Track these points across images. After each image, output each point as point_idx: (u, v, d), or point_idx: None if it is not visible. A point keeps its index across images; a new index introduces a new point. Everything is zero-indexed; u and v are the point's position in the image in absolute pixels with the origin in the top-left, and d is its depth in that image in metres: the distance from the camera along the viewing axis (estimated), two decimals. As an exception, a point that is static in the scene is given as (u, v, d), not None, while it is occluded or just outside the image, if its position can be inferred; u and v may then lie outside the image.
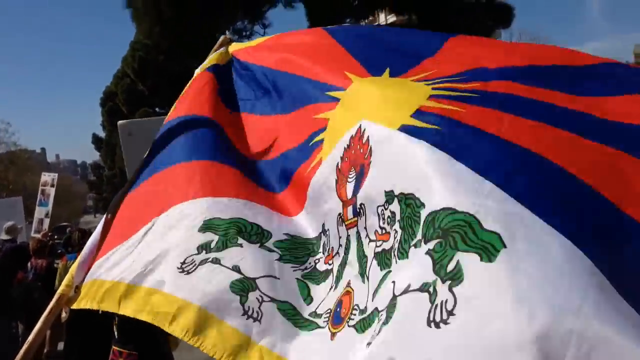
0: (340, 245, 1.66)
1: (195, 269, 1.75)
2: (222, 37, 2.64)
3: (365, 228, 1.49)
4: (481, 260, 1.03)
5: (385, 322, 1.16)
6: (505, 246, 1.04)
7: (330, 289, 1.62)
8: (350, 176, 1.63)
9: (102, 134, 62.07)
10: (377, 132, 1.55)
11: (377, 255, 1.39)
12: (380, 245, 1.39)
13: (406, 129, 1.46)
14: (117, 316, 4.31)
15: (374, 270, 1.37)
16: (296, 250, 1.80)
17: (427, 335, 1.00)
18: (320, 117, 1.93)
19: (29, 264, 7.26)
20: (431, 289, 1.05)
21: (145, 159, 2.38)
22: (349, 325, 1.39)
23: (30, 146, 68.75)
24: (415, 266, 1.16)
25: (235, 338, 1.58)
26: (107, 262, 2.03)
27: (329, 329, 1.48)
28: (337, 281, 1.61)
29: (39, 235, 9.35)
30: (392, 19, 35.79)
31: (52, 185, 12.37)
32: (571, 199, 1.18)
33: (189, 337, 1.64)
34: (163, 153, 2.28)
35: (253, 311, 1.60)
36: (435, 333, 0.99)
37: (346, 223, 1.62)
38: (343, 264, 1.61)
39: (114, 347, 4.51)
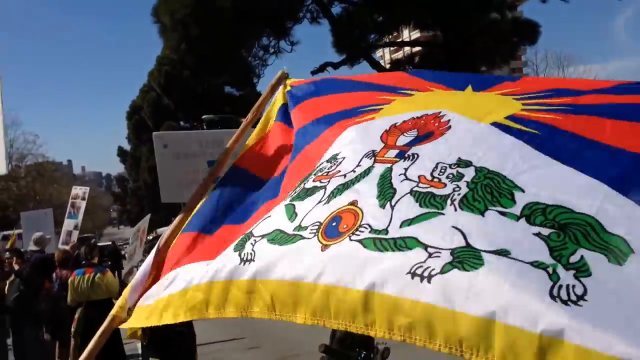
0: (352, 171, 1.70)
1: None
2: (280, 72, 2.59)
3: (406, 170, 1.57)
4: (609, 261, 1.11)
5: (464, 268, 1.20)
6: (633, 251, 1.10)
7: (318, 203, 1.65)
8: (409, 132, 1.73)
9: (127, 146, 63.60)
10: (462, 120, 1.66)
11: (415, 193, 1.46)
12: (425, 188, 1.47)
13: (499, 126, 1.57)
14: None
15: (407, 204, 1.45)
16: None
17: (549, 307, 1.07)
18: (379, 97, 2.07)
19: (54, 275, 7.38)
20: (550, 270, 1.13)
21: (205, 203, 2.33)
22: (351, 240, 1.42)
23: (58, 158, 69.89)
24: (500, 233, 1.25)
25: (229, 289, 1.65)
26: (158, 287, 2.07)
27: (319, 240, 1.50)
28: (330, 197, 1.63)
29: (67, 247, 9.46)
30: (415, 35, 35.86)
31: (83, 199, 12.40)
32: None
33: (218, 312, 1.70)
34: (236, 209, 2.24)
35: (247, 255, 1.64)
36: (561, 308, 1.07)
37: (378, 158, 1.69)
38: (346, 186, 1.64)
39: None
